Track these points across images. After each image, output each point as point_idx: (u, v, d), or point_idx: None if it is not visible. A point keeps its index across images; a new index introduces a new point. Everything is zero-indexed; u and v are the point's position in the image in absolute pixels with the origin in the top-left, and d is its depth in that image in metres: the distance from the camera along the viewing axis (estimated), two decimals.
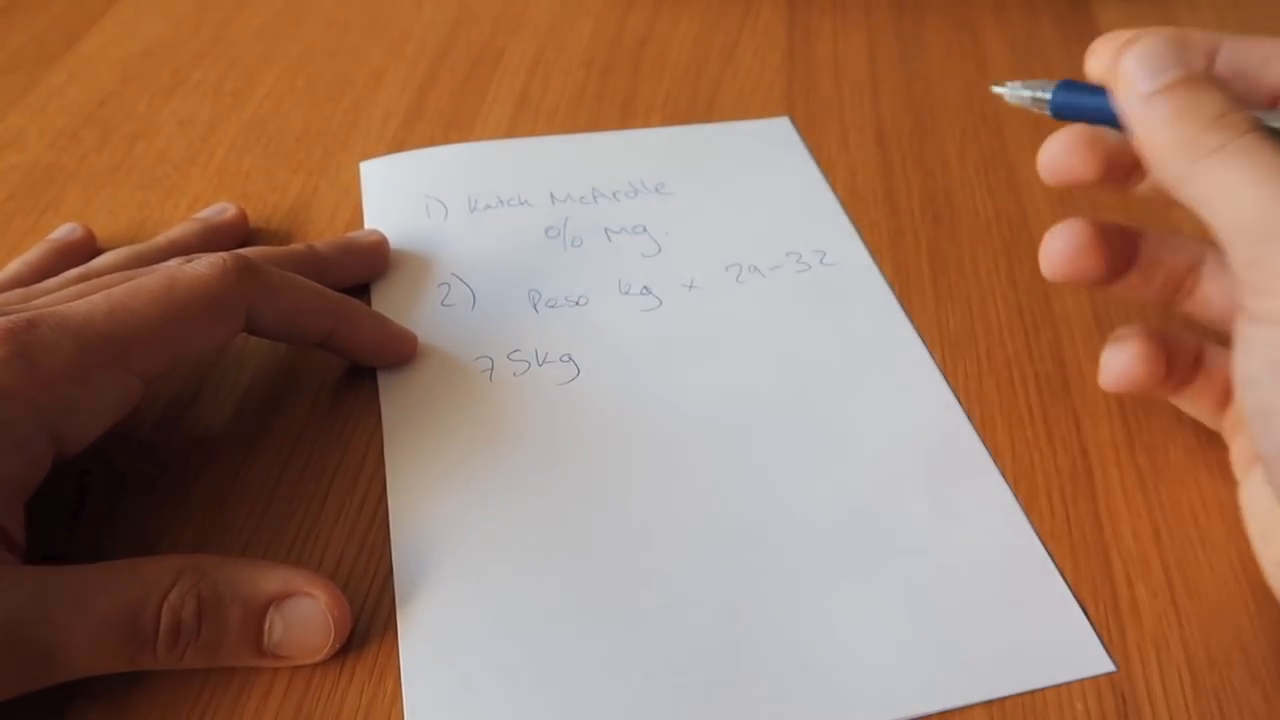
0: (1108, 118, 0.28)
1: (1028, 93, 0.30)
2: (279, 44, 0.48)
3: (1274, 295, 0.23)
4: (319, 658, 0.25)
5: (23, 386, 0.24)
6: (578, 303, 0.35)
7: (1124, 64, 0.26)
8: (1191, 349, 0.29)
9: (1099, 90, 0.28)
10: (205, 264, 0.28)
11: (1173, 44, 0.26)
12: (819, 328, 0.34)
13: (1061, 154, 0.28)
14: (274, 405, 0.31)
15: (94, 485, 0.29)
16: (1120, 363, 0.29)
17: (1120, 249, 0.28)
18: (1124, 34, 0.26)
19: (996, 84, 0.31)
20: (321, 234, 0.38)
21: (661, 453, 0.30)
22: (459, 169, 0.40)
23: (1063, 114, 0.29)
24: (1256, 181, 0.23)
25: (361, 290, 0.35)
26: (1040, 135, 0.44)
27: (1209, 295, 0.29)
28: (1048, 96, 0.30)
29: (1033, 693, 0.25)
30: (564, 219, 0.38)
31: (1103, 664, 0.25)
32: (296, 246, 0.33)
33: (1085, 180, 0.28)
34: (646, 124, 0.43)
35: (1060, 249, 0.28)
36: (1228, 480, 0.29)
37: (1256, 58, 0.27)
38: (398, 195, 0.39)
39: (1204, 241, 0.29)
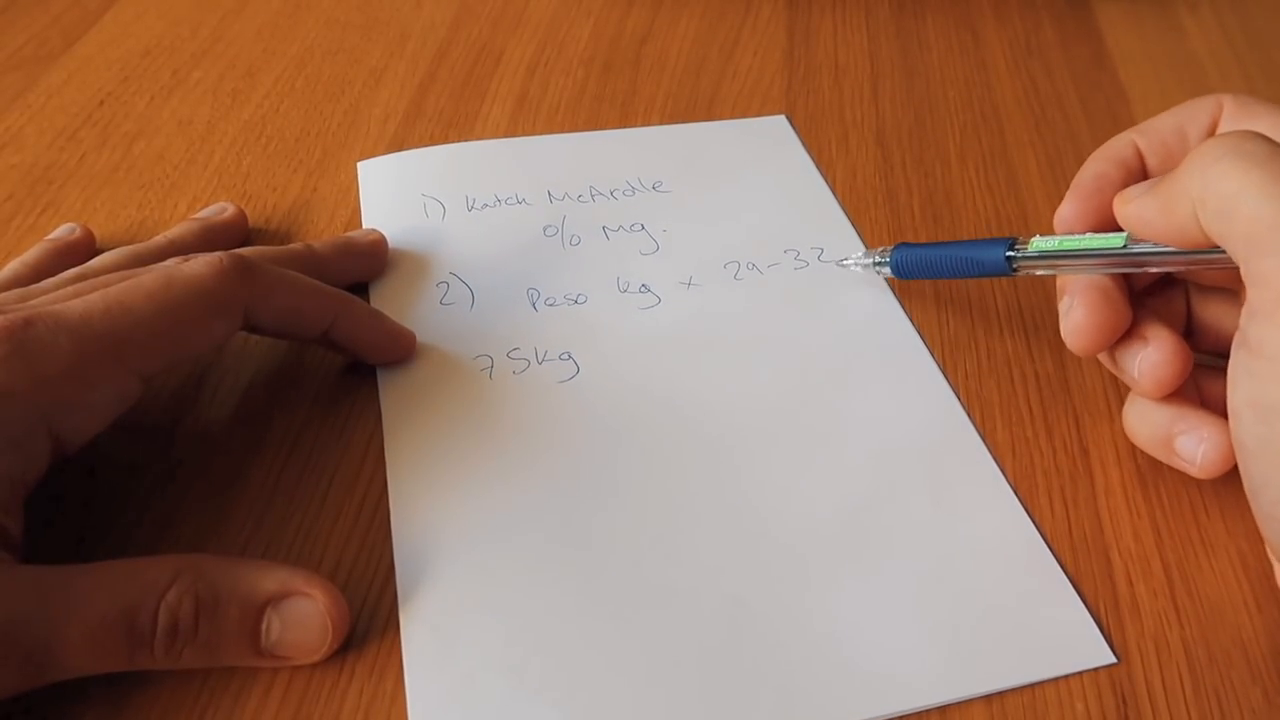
0: (939, 269, 0.33)
1: (870, 259, 0.35)
2: (278, 44, 0.48)
3: (1267, 318, 0.22)
4: (317, 658, 0.25)
5: (21, 385, 0.24)
6: (576, 301, 0.35)
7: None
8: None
9: (931, 246, 0.33)
10: (202, 262, 0.28)
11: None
12: (818, 325, 0.34)
13: (1092, 322, 0.28)
14: (274, 405, 0.31)
15: (103, 482, 0.29)
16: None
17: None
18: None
19: (839, 262, 0.36)
20: (320, 234, 0.38)
21: (661, 450, 0.30)
22: (456, 168, 0.40)
23: (900, 272, 0.34)
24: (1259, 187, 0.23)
25: (360, 290, 0.35)
26: (1041, 136, 0.44)
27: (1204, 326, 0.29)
28: (887, 259, 0.34)
29: (1034, 691, 0.25)
30: (562, 217, 0.38)
31: (1104, 656, 0.25)
32: (295, 246, 0.33)
33: (1125, 327, 0.28)
34: (646, 123, 0.43)
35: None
36: (1228, 480, 0.29)
37: (1157, 146, 0.29)
38: (395, 195, 0.39)
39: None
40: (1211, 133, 0.29)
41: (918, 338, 0.34)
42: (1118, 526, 0.28)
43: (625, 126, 0.43)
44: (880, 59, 0.48)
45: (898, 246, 0.34)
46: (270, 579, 0.24)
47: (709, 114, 0.44)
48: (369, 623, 0.26)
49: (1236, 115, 0.28)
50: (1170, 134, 0.29)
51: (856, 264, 0.35)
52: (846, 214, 0.39)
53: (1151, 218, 0.26)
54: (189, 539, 0.28)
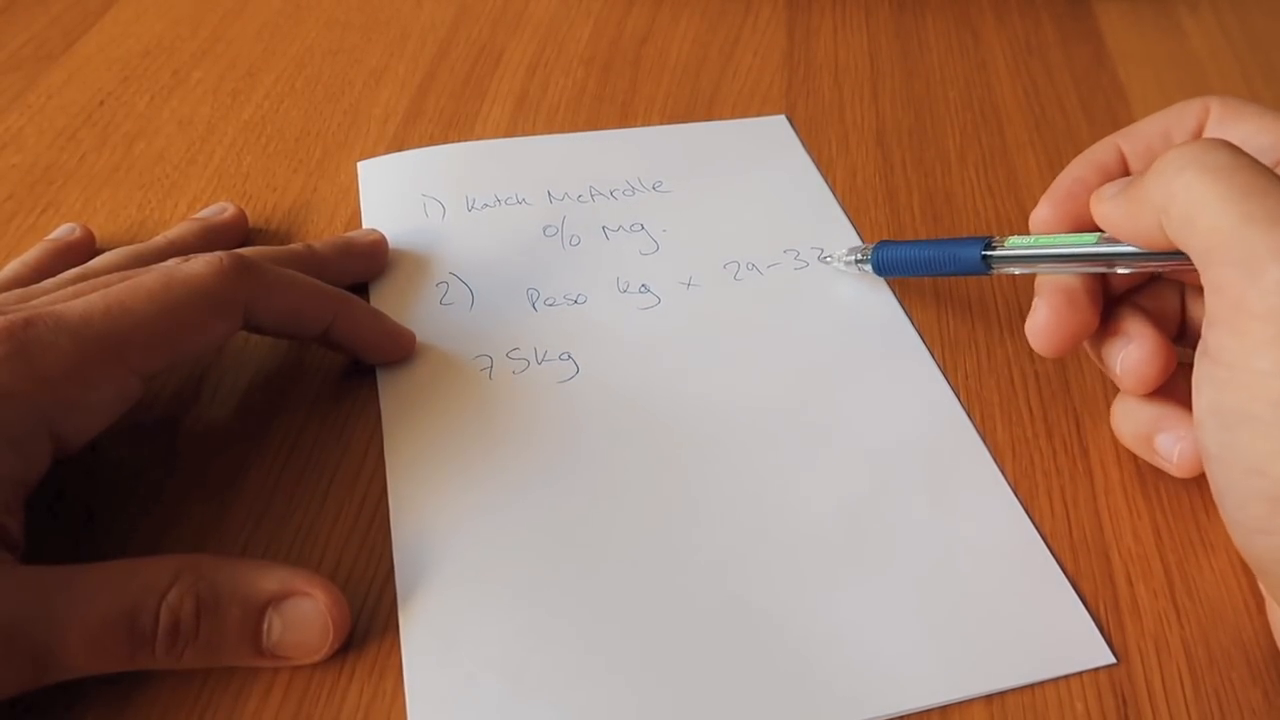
0: (917, 266, 0.33)
1: (853, 256, 0.35)
2: (279, 44, 0.48)
3: (1226, 326, 0.22)
4: (318, 658, 0.25)
5: (21, 385, 0.24)
6: (576, 301, 0.35)
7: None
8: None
9: (910, 244, 0.33)
10: (202, 262, 0.28)
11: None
12: (818, 326, 0.34)
13: (1054, 323, 0.28)
14: (274, 405, 0.31)
15: (103, 482, 0.29)
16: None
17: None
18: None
19: (822, 258, 0.36)
20: (320, 234, 0.38)
21: (661, 450, 0.30)
22: (456, 168, 0.40)
23: (880, 269, 0.34)
24: (1220, 199, 0.23)
25: (360, 290, 0.35)
26: (1041, 136, 0.44)
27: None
28: (868, 256, 0.34)
29: (1034, 692, 0.25)
30: (562, 217, 0.38)
31: (1104, 656, 0.25)
32: (295, 246, 0.33)
33: (1089, 330, 0.28)
34: (646, 123, 0.43)
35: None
36: None
37: (1142, 150, 0.29)
38: (395, 195, 0.39)
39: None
40: (1197, 136, 0.29)
41: (918, 338, 0.34)
42: (1118, 526, 0.28)
43: (625, 126, 0.43)
44: (880, 59, 0.48)
45: (879, 245, 0.34)
46: (271, 579, 0.24)
47: (708, 114, 0.44)
48: (369, 623, 0.26)
49: (1222, 118, 0.28)
50: (1155, 138, 0.29)
51: (839, 260, 0.35)
52: (846, 214, 0.39)
53: (1120, 220, 0.26)
54: (189, 539, 0.28)
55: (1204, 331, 0.23)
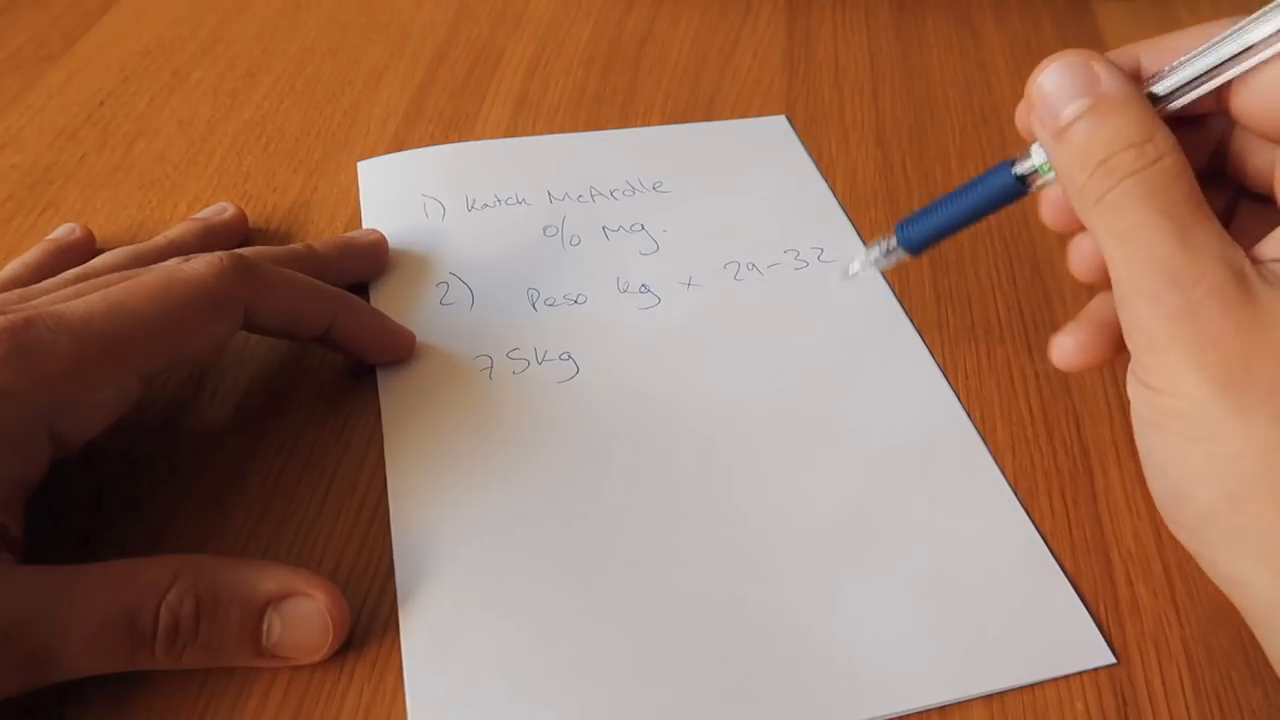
0: (952, 225, 0.30)
1: (876, 252, 0.31)
2: (278, 44, 0.48)
3: (1136, 354, 0.24)
4: (318, 658, 0.25)
5: (21, 385, 0.24)
6: (576, 301, 0.35)
7: (1035, 91, 0.25)
8: None
9: (930, 209, 0.30)
10: (202, 262, 0.28)
11: (1082, 66, 0.25)
12: (818, 325, 0.34)
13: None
14: (274, 405, 0.31)
15: (103, 483, 0.29)
16: (1066, 347, 0.29)
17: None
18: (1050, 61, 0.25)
19: (844, 275, 0.33)
20: (321, 234, 0.38)
21: (661, 450, 0.30)
22: (456, 168, 0.40)
23: (913, 246, 0.30)
24: (1118, 240, 0.23)
25: (360, 290, 0.35)
26: None
27: None
28: (894, 241, 0.31)
29: (1034, 691, 0.25)
30: (562, 218, 0.38)
31: (1104, 656, 0.25)
32: (295, 246, 0.33)
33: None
34: (646, 123, 0.43)
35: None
36: None
37: (1169, 58, 0.26)
38: (395, 195, 0.39)
39: None
40: None
41: (918, 338, 0.34)
42: (1118, 526, 0.28)
43: (625, 126, 0.43)
44: (880, 59, 0.48)
45: (899, 226, 0.31)
46: (271, 579, 0.24)
47: (709, 114, 0.44)
48: (369, 623, 0.26)
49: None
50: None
51: (863, 267, 0.32)
52: (846, 214, 0.39)
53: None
54: (189, 539, 0.28)
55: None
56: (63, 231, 0.35)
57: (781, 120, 0.43)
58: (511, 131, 0.42)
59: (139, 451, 0.30)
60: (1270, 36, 0.23)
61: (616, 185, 0.40)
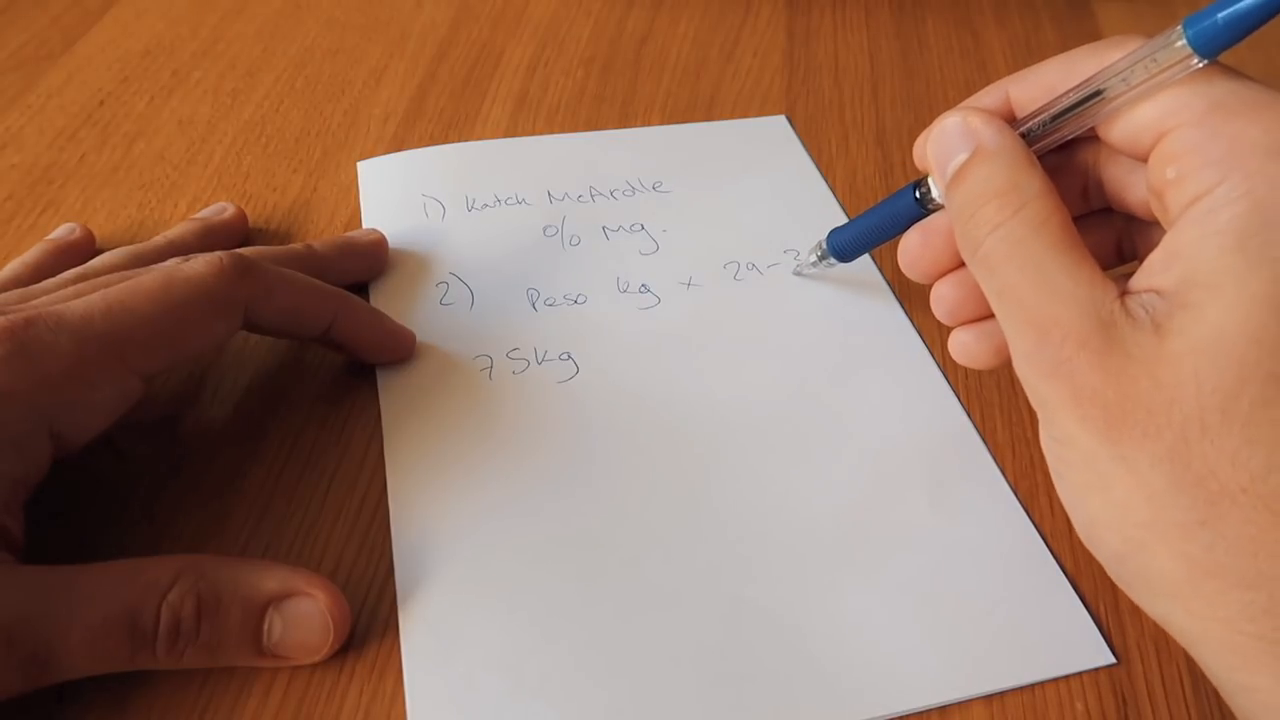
0: (869, 236, 0.32)
1: (814, 255, 0.34)
2: (278, 44, 0.48)
3: (1036, 409, 0.24)
4: (318, 658, 0.25)
5: (21, 385, 0.24)
6: (576, 301, 0.35)
7: (926, 155, 0.27)
8: None
9: (854, 220, 0.32)
10: (203, 262, 0.28)
11: (961, 122, 0.25)
12: (818, 325, 0.34)
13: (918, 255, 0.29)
14: (274, 405, 0.31)
15: (104, 483, 0.29)
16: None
17: None
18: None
19: (796, 271, 0.36)
20: (320, 234, 0.38)
21: (661, 449, 0.30)
22: (456, 168, 0.40)
23: (840, 253, 0.33)
24: (995, 298, 0.24)
25: (360, 290, 0.35)
26: None
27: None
28: (825, 249, 0.34)
29: (1034, 691, 0.25)
30: (562, 218, 0.38)
31: (1104, 656, 0.25)
32: (295, 246, 0.33)
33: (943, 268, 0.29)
34: (646, 123, 0.43)
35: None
36: None
37: (1039, 95, 0.27)
38: (395, 195, 0.39)
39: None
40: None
41: (918, 338, 0.34)
42: None
43: (625, 126, 0.43)
44: (880, 59, 0.48)
45: (830, 233, 0.34)
46: (272, 579, 0.24)
47: (708, 114, 0.44)
48: (369, 622, 0.26)
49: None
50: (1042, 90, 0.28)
51: (806, 266, 0.35)
52: (846, 214, 0.39)
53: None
54: (189, 539, 0.28)
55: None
56: (62, 231, 0.35)
57: (781, 120, 0.43)
58: (511, 131, 0.42)
59: (139, 451, 0.30)
60: (1115, 81, 0.24)
61: (616, 185, 0.40)
